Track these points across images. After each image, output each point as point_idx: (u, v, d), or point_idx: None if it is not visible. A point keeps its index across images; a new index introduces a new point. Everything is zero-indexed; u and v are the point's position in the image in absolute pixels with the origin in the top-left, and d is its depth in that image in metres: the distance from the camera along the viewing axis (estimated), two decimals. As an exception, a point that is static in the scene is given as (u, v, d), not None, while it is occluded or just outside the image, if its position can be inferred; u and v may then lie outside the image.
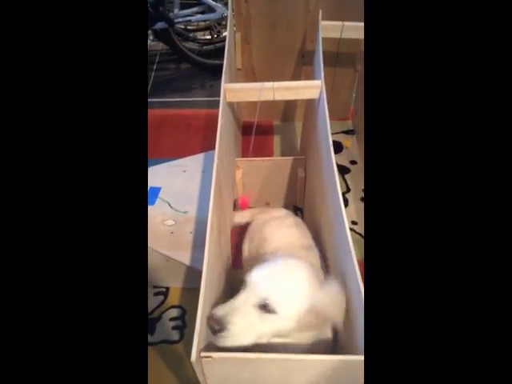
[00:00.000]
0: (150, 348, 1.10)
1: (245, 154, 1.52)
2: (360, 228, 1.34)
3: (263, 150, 1.60)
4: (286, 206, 1.39)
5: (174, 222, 1.14)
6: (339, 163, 1.56)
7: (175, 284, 1.22)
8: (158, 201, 1.20)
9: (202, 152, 1.37)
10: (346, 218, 0.70)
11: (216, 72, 2.04)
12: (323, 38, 1.11)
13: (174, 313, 1.17)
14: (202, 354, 0.52)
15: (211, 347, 0.61)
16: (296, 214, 1.39)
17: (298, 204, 1.39)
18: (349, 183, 1.49)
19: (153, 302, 1.20)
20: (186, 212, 1.16)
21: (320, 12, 1.17)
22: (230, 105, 1.12)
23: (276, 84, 0.94)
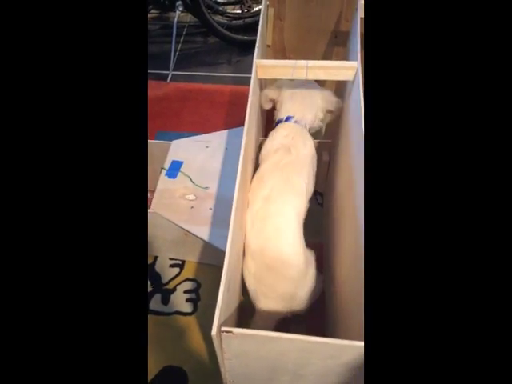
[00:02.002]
0: (162, 318, 1.12)
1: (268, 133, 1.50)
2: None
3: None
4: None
5: (194, 197, 1.14)
6: (364, 150, 1.53)
7: (191, 258, 1.23)
8: (179, 175, 1.19)
9: (224, 128, 1.36)
10: (364, 216, 0.68)
11: (244, 48, 2.00)
12: (361, 19, 1.07)
13: (188, 285, 1.19)
14: (223, 328, 0.53)
15: (229, 322, 0.61)
16: (316, 199, 1.38)
17: (319, 189, 1.37)
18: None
19: (168, 273, 1.22)
20: (206, 188, 1.16)
21: (360, -10, 1.12)
22: (259, 82, 1.09)
23: (310, 62, 0.91)
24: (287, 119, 1.04)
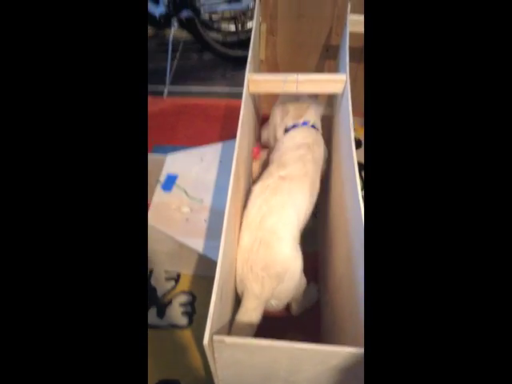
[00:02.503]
0: (158, 331, 1.12)
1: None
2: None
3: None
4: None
5: (189, 210, 1.15)
6: (358, 160, 1.55)
7: (187, 270, 1.23)
8: (174, 188, 1.20)
9: (219, 141, 1.37)
10: (364, 215, 0.69)
11: (238, 63, 2.04)
12: (350, 33, 1.10)
13: (183, 298, 1.19)
14: (215, 337, 0.53)
15: (222, 332, 0.61)
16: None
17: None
18: (366, 181, 1.48)
19: (164, 286, 1.22)
20: (201, 200, 1.17)
21: (349, 5, 1.15)
22: (252, 96, 1.11)
23: (300, 76, 0.94)
24: (304, 124, 1.16)
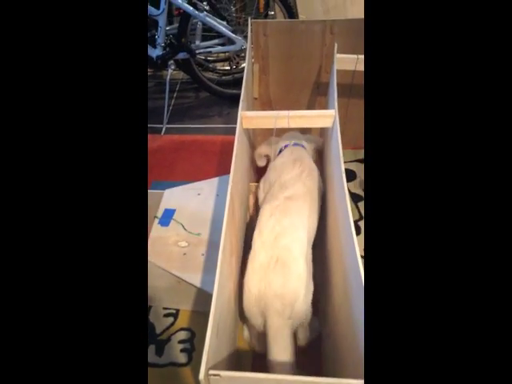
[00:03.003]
0: (157, 370, 1.10)
1: (259, 179, 1.55)
2: (372, 257, 1.34)
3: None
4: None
5: (186, 244, 1.16)
6: (352, 191, 1.58)
7: (185, 306, 1.22)
8: (172, 222, 1.22)
9: (216, 176, 1.40)
10: (357, 246, 0.70)
11: (233, 101, 2.12)
12: (338, 70, 1.16)
13: (183, 335, 1.17)
14: (211, 371, 0.53)
15: (219, 367, 0.61)
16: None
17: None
18: (361, 211, 1.50)
19: (162, 323, 1.21)
20: (198, 234, 1.18)
21: (335, 45, 1.22)
22: (246, 132, 1.16)
23: (291, 112, 0.98)
24: (295, 144, 1.28)
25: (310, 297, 0.95)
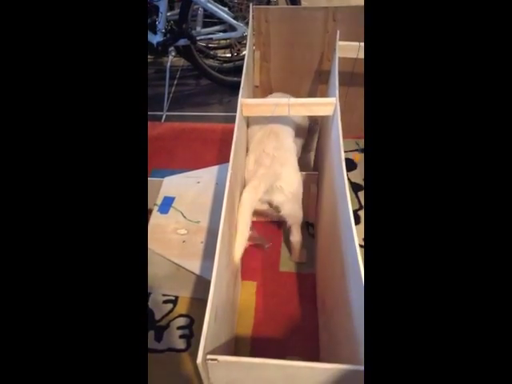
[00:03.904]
0: (156, 355, 1.11)
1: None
2: (371, 246, 1.34)
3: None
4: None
5: (186, 231, 1.16)
6: (353, 180, 1.57)
7: (184, 293, 1.23)
8: (171, 210, 1.22)
9: (216, 164, 1.40)
10: (356, 236, 0.70)
11: (234, 88, 2.09)
12: (340, 58, 1.15)
13: (181, 321, 1.18)
14: (208, 356, 0.54)
15: (217, 352, 0.62)
16: (308, 230, 1.41)
17: (310, 220, 1.40)
18: (362, 200, 1.50)
19: (162, 309, 1.22)
20: (198, 222, 1.18)
21: (338, 32, 1.20)
22: (246, 119, 1.15)
23: (291, 100, 0.97)
24: None
25: (300, 189, 1.15)
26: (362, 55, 1.21)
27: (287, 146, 1.14)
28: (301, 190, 1.16)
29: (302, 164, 1.63)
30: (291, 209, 1.16)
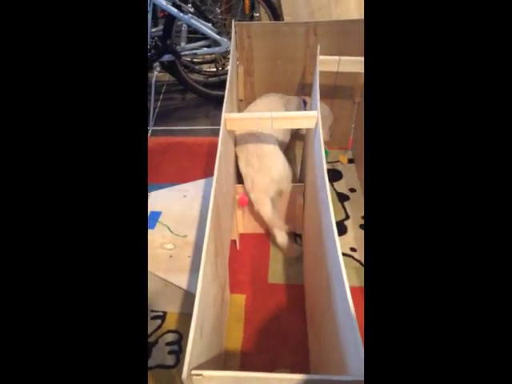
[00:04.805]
0: (145, 373, 1.09)
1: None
2: (359, 255, 1.35)
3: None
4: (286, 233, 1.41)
5: (172, 246, 1.16)
6: (339, 191, 1.59)
7: (172, 309, 1.22)
8: (157, 225, 1.22)
9: (203, 178, 1.41)
10: (339, 245, 0.71)
11: (220, 102, 2.11)
12: (321, 72, 1.17)
13: (170, 337, 1.17)
14: (193, 371, 0.53)
15: (204, 367, 0.61)
16: (295, 241, 1.41)
17: (298, 231, 1.40)
18: (348, 210, 1.51)
19: (150, 326, 1.20)
20: (185, 236, 1.18)
21: (318, 47, 1.24)
22: (231, 133, 1.16)
23: (274, 114, 0.99)
24: None
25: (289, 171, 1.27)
26: (342, 69, 1.23)
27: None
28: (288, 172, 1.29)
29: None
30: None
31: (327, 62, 1.21)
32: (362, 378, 0.53)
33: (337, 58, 1.22)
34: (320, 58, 1.19)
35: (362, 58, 1.21)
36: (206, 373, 0.53)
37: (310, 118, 0.99)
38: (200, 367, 0.62)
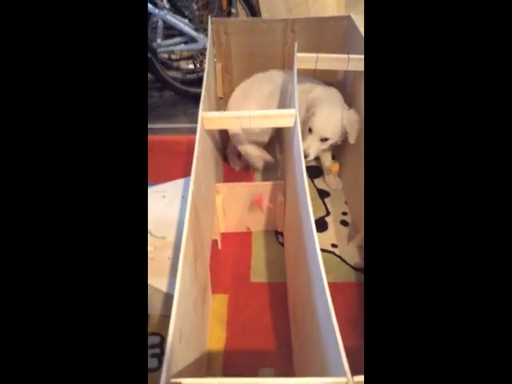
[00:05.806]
0: (126, 378, 1.08)
1: (227, 178, 1.55)
2: (340, 251, 1.36)
3: (244, 176, 1.63)
4: (267, 231, 1.41)
5: (152, 248, 1.14)
6: (319, 187, 1.60)
7: (154, 311, 1.20)
8: (137, 226, 1.20)
9: (183, 177, 1.39)
10: (317, 244, 0.71)
11: (198, 100, 2.09)
12: (299, 69, 1.17)
13: (152, 340, 1.15)
14: (172, 380, 0.52)
15: (185, 373, 0.60)
16: (277, 239, 1.41)
17: (279, 229, 1.40)
18: (328, 207, 1.52)
19: (131, 329, 1.18)
20: (164, 237, 1.16)
21: (296, 44, 1.23)
22: (209, 132, 1.15)
23: (252, 112, 0.98)
24: None
25: None
26: (320, 66, 1.23)
27: None
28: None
29: (269, 175, 1.67)
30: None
31: (305, 60, 1.21)
32: (343, 378, 0.53)
33: (314, 55, 1.22)
34: (298, 55, 1.19)
35: (340, 56, 1.21)
36: (185, 381, 0.52)
37: (289, 117, 0.99)
38: (180, 372, 0.61)
